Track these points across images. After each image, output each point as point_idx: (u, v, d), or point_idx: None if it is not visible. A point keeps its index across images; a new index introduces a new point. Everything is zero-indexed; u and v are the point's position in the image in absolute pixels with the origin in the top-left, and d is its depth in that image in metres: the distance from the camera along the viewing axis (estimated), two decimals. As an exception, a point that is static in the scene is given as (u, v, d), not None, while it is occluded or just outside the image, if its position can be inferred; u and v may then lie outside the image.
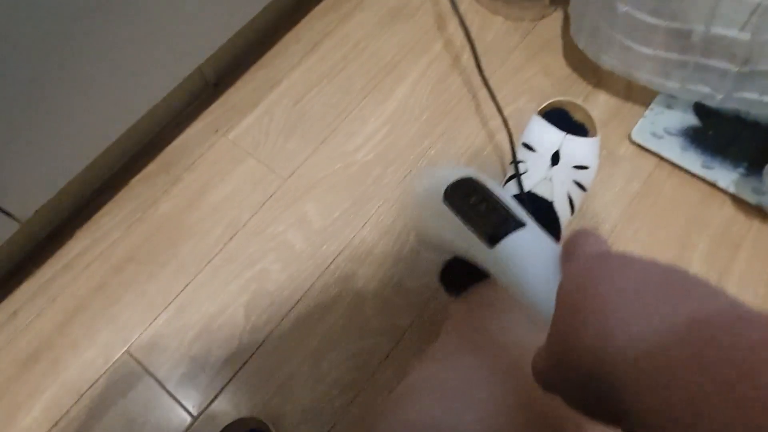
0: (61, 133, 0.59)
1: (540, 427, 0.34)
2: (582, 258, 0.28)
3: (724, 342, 0.18)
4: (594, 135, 0.67)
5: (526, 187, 0.63)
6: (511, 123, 0.78)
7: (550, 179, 0.63)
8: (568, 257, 0.30)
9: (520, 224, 0.36)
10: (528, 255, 0.34)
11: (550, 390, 0.26)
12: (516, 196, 0.63)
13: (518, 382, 0.36)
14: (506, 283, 0.35)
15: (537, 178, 0.63)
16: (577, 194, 0.64)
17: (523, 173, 0.64)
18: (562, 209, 0.62)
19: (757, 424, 0.15)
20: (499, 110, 0.75)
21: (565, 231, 0.66)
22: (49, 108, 0.56)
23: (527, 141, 0.66)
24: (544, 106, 0.68)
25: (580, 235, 0.29)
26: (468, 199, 0.40)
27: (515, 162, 0.67)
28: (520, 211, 0.38)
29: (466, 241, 0.38)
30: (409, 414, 0.36)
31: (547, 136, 0.65)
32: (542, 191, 0.62)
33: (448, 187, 0.41)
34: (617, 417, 0.21)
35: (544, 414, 0.34)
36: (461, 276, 0.56)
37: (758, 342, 0.17)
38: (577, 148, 0.65)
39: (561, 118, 0.67)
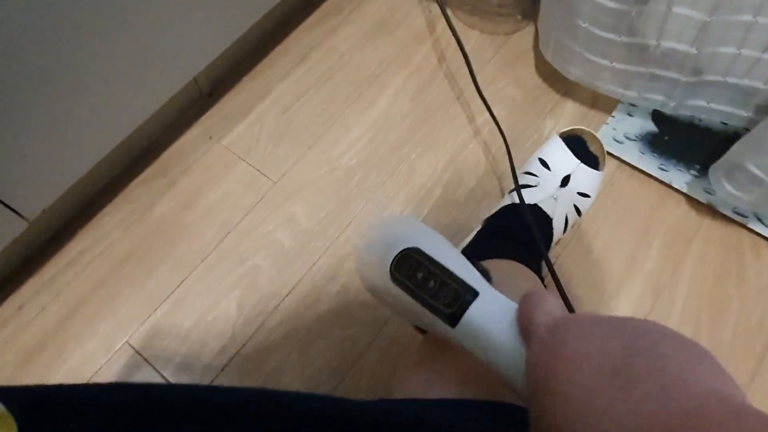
0: (66, 138, 0.64)
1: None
2: (537, 335, 0.28)
3: None
4: (602, 169, 0.71)
5: (533, 200, 0.67)
6: (485, 131, 0.84)
7: (556, 199, 0.67)
8: (525, 333, 0.30)
9: (474, 293, 0.35)
10: (488, 327, 0.33)
11: None
12: (511, 207, 0.68)
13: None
14: (477, 357, 0.34)
15: (545, 194, 0.67)
16: (573, 217, 0.69)
17: (534, 186, 0.68)
18: (558, 227, 0.67)
19: None
20: (488, 108, 0.80)
21: (555, 247, 0.73)
22: (56, 115, 0.61)
23: (545, 158, 0.70)
24: (566, 131, 0.72)
25: (532, 299, 0.30)
26: (415, 276, 0.38)
27: (511, 160, 0.73)
28: (470, 276, 0.37)
29: (431, 321, 0.37)
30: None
31: (564, 159, 0.69)
32: (546, 207, 0.67)
33: (392, 266, 0.39)
34: None
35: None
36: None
37: None
38: (585, 178, 0.69)
39: (578, 145, 0.71)
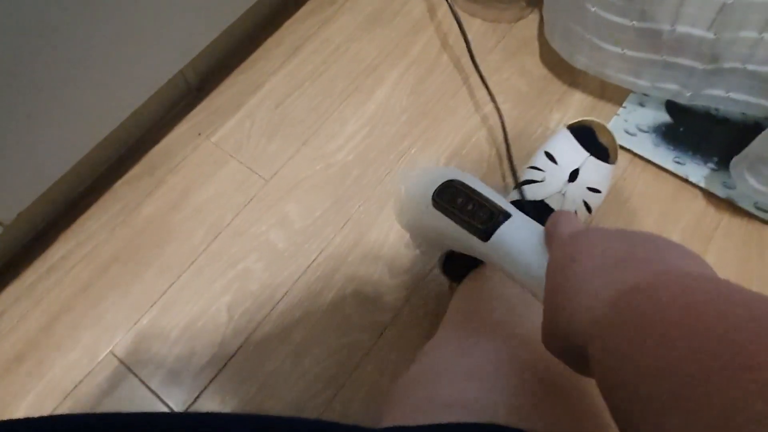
0: (43, 136, 0.60)
1: (567, 414, 0.35)
2: (559, 239, 0.32)
3: (642, 304, 0.21)
4: (614, 162, 0.67)
5: (540, 196, 0.63)
6: (489, 123, 0.80)
7: (564, 194, 0.63)
8: (549, 238, 0.34)
9: (507, 215, 0.40)
10: (518, 242, 0.38)
11: (552, 352, 0.30)
12: (517, 203, 0.64)
13: (543, 371, 0.38)
14: (504, 269, 0.39)
15: (552, 190, 0.63)
16: (583, 215, 0.64)
17: (540, 181, 0.64)
18: None
19: (661, 368, 0.18)
20: (492, 98, 0.76)
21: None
22: (31, 111, 0.57)
23: (551, 151, 0.66)
24: (574, 123, 0.68)
25: (556, 217, 0.34)
26: (455, 201, 0.43)
27: (509, 154, 0.71)
28: (504, 203, 0.42)
29: (463, 240, 0.42)
30: (441, 393, 0.37)
31: (572, 152, 0.65)
32: (553, 204, 0.63)
33: (434, 194, 0.45)
34: (591, 370, 0.25)
35: (571, 405, 0.36)
36: (460, 264, 0.60)
37: (667, 303, 0.20)
38: (595, 171, 0.65)
39: (587, 136, 0.67)
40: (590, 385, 0.38)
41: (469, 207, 0.42)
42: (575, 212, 0.35)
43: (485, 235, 0.40)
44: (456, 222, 0.43)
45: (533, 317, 0.45)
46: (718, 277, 0.22)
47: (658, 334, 0.19)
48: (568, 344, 0.27)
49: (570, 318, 0.26)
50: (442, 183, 0.45)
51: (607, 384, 0.21)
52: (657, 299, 0.21)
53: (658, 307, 0.20)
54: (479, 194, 0.43)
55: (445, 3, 0.80)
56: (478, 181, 0.46)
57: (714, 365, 0.16)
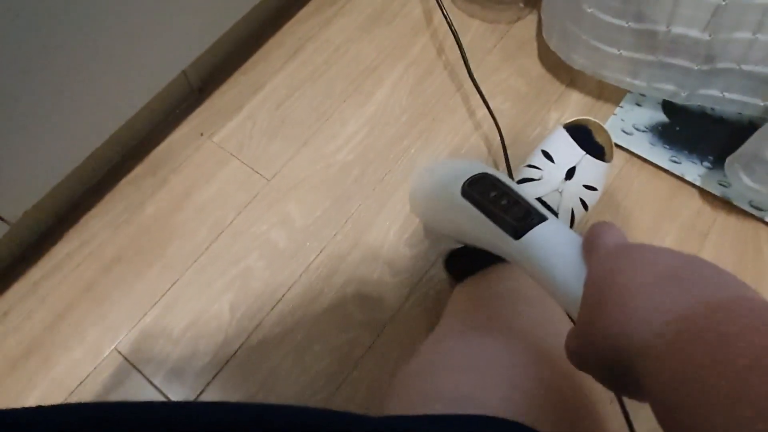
0: (48, 136, 0.61)
1: (561, 410, 0.36)
2: (603, 250, 0.30)
3: (722, 324, 0.20)
4: (610, 160, 0.68)
5: (537, 194, 0.64)
6: (487, 123, 0.81)
7: (561, 192, 0.64)
8: (590, 248, 0.32)
9: (544, 217, 0.38)
10: (553, 246, 0.36)
11: (581, 368, 0.28)
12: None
13: (538, 367, 0.38)
14: (533, 272, 0.36)
15: (549, 188, 0.64)
16: (580, 212, 0.66)
17: (538, 179, 0.65)
18: (563, 222, 0.64)
19: (738, 397, 0.17)
20: (485, 102, 0.77)
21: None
22: (36, 111, 0.58)
23: (548, 150, 0.67)
24: (571, 121, 0.69)
25: (600, 228, 0.32)
26: (488, 193, 0.42)
27: (506, 155, 0.72)
28: (540, 207, 0.40)
29: (491, 234, 0.40)
30: (440, 385, 0.38)
31: (568, 151, 0.66)
32: (550, 201, 0.64)
33: (465, 183, 0.43)
34: (632, 389, 0.24)
35: (564, 399, 0.37)
36: (464, 263, 0.59)
37: (748, 326, 0.19)
38: (591, 170, 0.66)
39: (583, 135, 0.68)
40: (584, 381, 0.39)
41: (503, 202, 0.40)
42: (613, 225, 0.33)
43: (517, 232, 0.38)
44: (486, 214, 0.40)
45: (533, 315, 0.46)
46: None
47: (744, 356, 0.17)
48: (606, 359, 0.25)
49: (618, 331, 0.24)
50: (477, 174, 0.43)
51: (669, 404, 0.20)
52: (735, 320, 0.19)
53: (740, 329, 0.19)
54: (515, 192, 0.41)
55: (441, 10, 0.81)
56: (514, 182, 0.44)
57: None
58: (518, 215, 0.39)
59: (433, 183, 0.48)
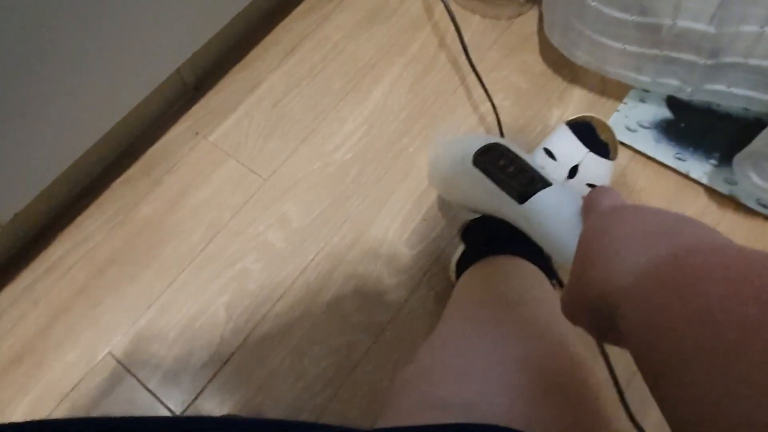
0: (39, 136, 0.60)
1: (566, 415, 0.35)
2: (599, 210, 0.32)
3: (688, 265, 0.21)
4: (614, 158, 0.66)
5: None
6: (487, 121, 0.79)
7: None
8: (588, 210, 0.34)
9: (547, 183, 0.40)
10: (555, 209, 0.37)
11: (572, 320, 0.30)
12: None
13: (542, 371, 0.37)
14: (535, 234, 0.39)
15: None
16: None
17: None
18: None
19: (712, 321, 0.18)
20: (489, 97, 0.76)
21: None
22: (26, 111, 0.57)
23: (551, 148, 0.66)
24: (574, 118, 0.68)
25: (599, 191, 0.34)
26: (497, 162, 0.44)
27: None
28: (545, 173, 0.41)
29: (498, 200, 0.42)
30: (436, 393, 0.37)
31: (571, 148, 0.65)
32: None
33: (476, 152, 0.45)
34: (618, 337, 0.25)
35: (570, 403, 0.36)
36: (481, 239, 0.60)
37: (712, 261, 0.20)
38: (595, 168, 0.65)
39: (586, 132, 0.67)
40: (589, 383, 0.38)
41: (510, 169, 0.42)
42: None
43: (522, 196, 0.40)
44: (493, 181, 0.43)
45: (537, 317, 0.45)
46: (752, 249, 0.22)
47: (708, 290, 0.19)
48: (594, 307, 0.26)
49: (603, 279, 0.25)
50: (488, 144, 0.45)
51: (644, 340, 0.21)
52: (703, 260, 0.21)
53: (705, 267, 0.20)
54: (523, 160, 0.43)
55: (442, 1, 0.79)
56: (524, 152, 0.46)
57: (756, 313, 0.16)
58: (523, 181, 0.41)
59: (449, 155, 0.50)
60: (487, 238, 0.58)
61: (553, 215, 0.37)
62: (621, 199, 0.32)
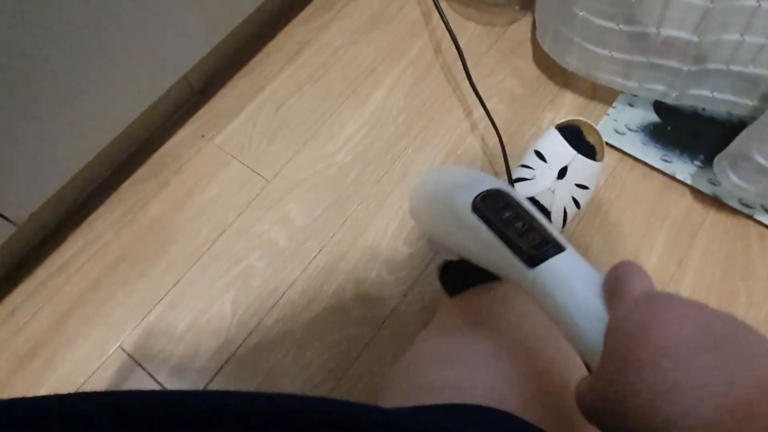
0: (53, 139, 0.63)
1: (544, 403, 0.37)
2: (628, 296, 0.27)
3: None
4: (601, 159, 0.70)
5: (530, 193, 0.66)
6: (483, 124, 0.82)
7: (553, 191, 0.66)
8: (613, 291, 0.29)
9: (561, 248, 0.35)
10: (571, 281, 0.32)
11: (592, 422, 0.26)
12: None
13: (522, 362, 0.39)
14: (546, 306, 0.33)
15: (542, 187, 0.66)
16: (571, 210, 0.67)
17: (531, 179, 0.67)
18: (556, 220, 0.66)
19: None
20: (483, 104, 0.78)
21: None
22: (41, 116, 0.60)
23: (541, 150, 0.69)
24: (562, 122, 0.71)
25: (625, 269, 0.29)
26: (501, 213, 0.38)
27: (505, 155, 0.72)
28: (558, 235, 0.36)
29: (500, 258, 0.37)
30: (428, 377, 0.39)
31: (560, 150, 0.68)
32: (543, 200, 0.65)
33: (477, 198, 0.39)
34: None
35: (548, 392, 0.38)
36: (460, 277, 0.56)
37: None
38: (583, 169, 0.68)
39: (575, 135, 0.70)
40: (573, 375, 0.40)
41: (519, 224, 0.37)
42: (639, 268, 0.30)
43: (532, 260, 0.34)
44: (498, 236, 0.37)
45: (525, 323, 0.47)
46: None
47: None
48: (630, 424, 0.23)
49: (652, 402, 0.22)
50: (490, 189, 0.40)
51: None
52: None
53: None
54: (532, 216, 0.38)
55: (438, 11, 0.82)
56: (528, 202, 0.40)
57: None
58: (534, 242, 0.35)
59: (438, 191, 0.44)
60: (471, 278, 0.54)
61: (569, 287, 0.32)
62: (651, 282, 0.28)
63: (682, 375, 0.22)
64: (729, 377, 0.21)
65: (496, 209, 0.38)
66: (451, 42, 0.83)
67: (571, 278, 0.32)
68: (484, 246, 0.38)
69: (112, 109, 0.68)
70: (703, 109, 0.79)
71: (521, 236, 0.36)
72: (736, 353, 0.22)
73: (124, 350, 0.71)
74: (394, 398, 0.40)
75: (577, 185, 0.67)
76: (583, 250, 0.74)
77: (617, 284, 0.28)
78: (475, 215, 0.38)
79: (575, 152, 0.67)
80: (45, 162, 0.64)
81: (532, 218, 0.37)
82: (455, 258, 0.56)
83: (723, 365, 0.21)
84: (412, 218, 0.51)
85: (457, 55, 0.83)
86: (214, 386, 0.68)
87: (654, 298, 0.25)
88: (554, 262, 0.34)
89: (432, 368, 0.41)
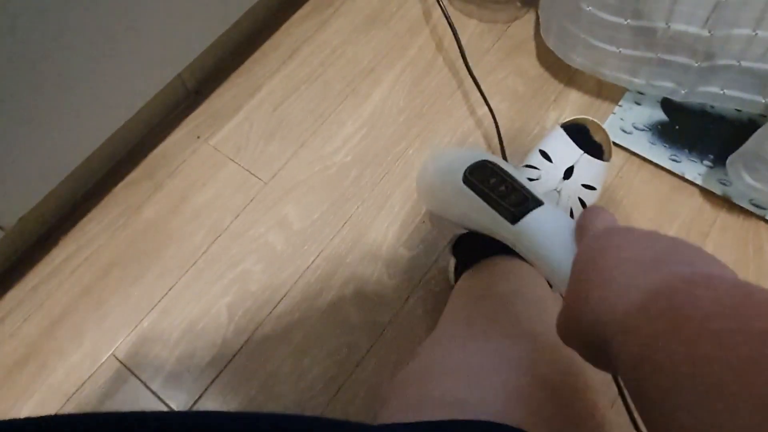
0: (42, 141, 0.61)
1: (560, 413, 0.36)
2: (592, 233, 0.31)
3: (680, 300, 0.21)
4: (608, 159, 0.68)
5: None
6: (485, 124, 0.80)
7: (559, 192, 0.64)
8: (581, 232, 0.33)
9: (539, 203, 0.39)
10: (548, 230, 0.37)
11: (567, 343, 0.30)
12: None
13: (536, 369, 0.38)
14: (529, 256, 0.38)
15: (548, 187, 0.64)
16: (578, 211, 0.65)
17: (536, 179, 0.65)
18: None
19: (701, 356, 0.18)
20: (486, 101, 0.77)
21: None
22: (30, 117, 0.58)
23: (546, 150, 0.67)
24: (568, 121, 0.69)
25: (591, 212, 0.33)
26: (488, 180, 0.43)
27: (504, 155, 0.71)
28: (537, 191, 0.41)
29: (488, 220, 0.41)
30: (431, 392, 0.38)
31: (566, 150, 0.66)
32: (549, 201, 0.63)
33: (467, 170, 0.44)
34: (611, 364, 0.25)
35: (564, 402, 0.36)
36: (471, 249, 0.59)
37: (710, 300, 0.20)
38: (590, 169, 0.66)
39: (581, 135, 0.68)
40: (585, 381, 0.39)
41: (502, 188, 0.42)
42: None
43: (514, 217, 0.39)
44: (485, 200, 0.42)
45: (532, 317, 0.46)
46: (744, 281, 0.22)
47: (698, 326, 0.19)
48: (588, 335, 0.26)
49: (597, 308, 0.25)
50: (477, 161, 0.45)
51: (639, 374, 0.21)
52: (695, 294, 0.21)
53: (697, 302, 0.20)
54: (513, 178, 0.43)
55: (440, 6, 0.80)
56: (513, 167, 0.45)
57: (754, 355, 0.17)
58: (515, 201, 0.40)
59: (437, 170, 0.49)
60: (480, 248, 0.58)
61: (547, 235, 0.37)
62: (614, 219, 0.32)
63: (617, 278, 0.25)
64: (651, 276, 0.24)
65: (483, 178, 0.43)
66: (452, 40, 0.81)
67: (548, 227, 0.37)
68: (476, 211, 0.43)
69: (104, 109, 0.66)
70: (712, 107, 0.77)
71: (504, 198, 0.41)
72: (668, 261, 0.25)
73: (117, 358, 0.68)
74: (397, 411, 0.38)
75: (584, 186, 0.64)
76: (590, 253, 0.71)
77: (584, 224, 0.33)
78: (466, 185, 0.44)
79: (582, 151, 0.65)
80: (35, 164, 0.62)
81: (514, 181, 0.42)
82: (462, 231, 0.60)
83: (651, 269, 0.24)
84: (419, 199, 0.57)
85: (458, 54, 0.81)
86: (210, 395, 0.66)
87: (611, 230, 0.30)
88: (533, 216, 0.39)
89: (438, 379, 0.39)
